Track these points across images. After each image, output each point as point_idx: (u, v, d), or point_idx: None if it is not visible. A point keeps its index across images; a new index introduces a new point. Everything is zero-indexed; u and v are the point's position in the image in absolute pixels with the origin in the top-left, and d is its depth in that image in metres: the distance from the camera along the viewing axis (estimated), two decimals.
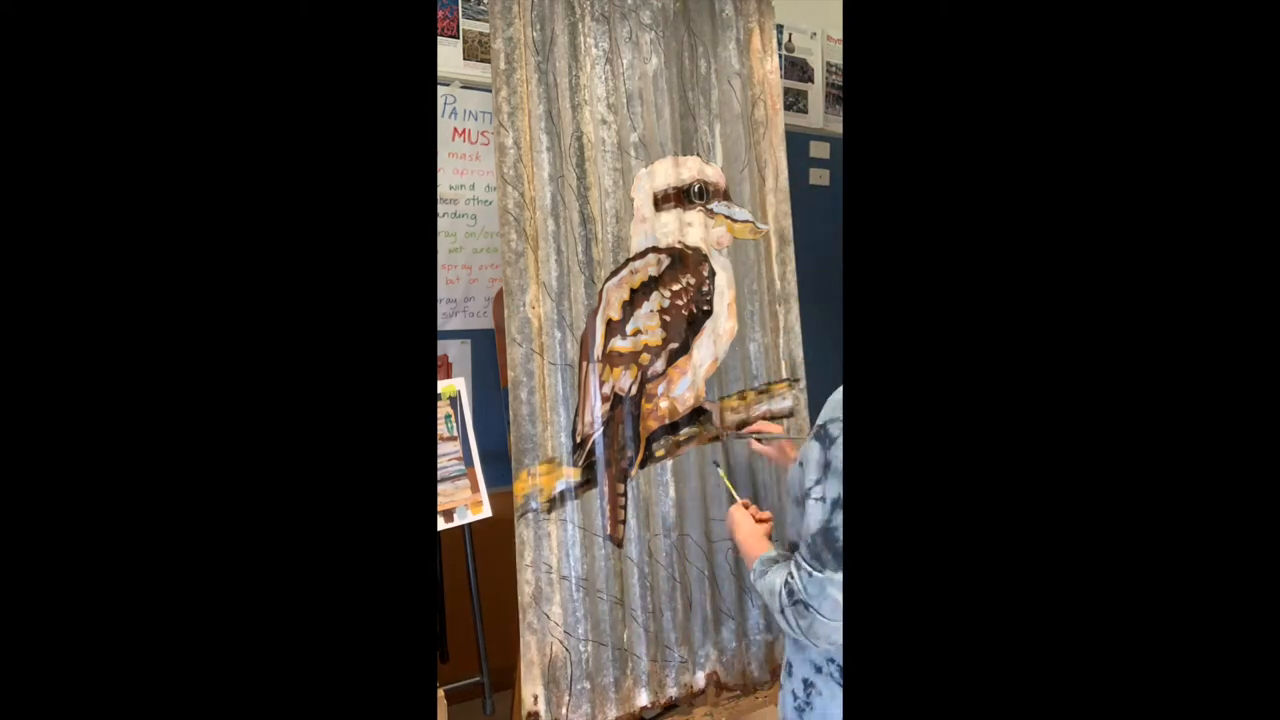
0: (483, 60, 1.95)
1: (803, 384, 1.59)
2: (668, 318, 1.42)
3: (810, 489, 0.85)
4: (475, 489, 1.47)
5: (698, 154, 1.48)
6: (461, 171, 1.97)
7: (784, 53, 2.52)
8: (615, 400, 1.37)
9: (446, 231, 1.97)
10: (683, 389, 1.44)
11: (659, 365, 1.41)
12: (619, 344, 1.38)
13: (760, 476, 1.51)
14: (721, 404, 1.48)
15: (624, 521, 1.37)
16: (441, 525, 1.42)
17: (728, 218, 1.49)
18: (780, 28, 2.48)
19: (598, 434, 1.35)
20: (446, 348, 1.98)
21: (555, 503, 1.32)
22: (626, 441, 1.38)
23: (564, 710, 1.30)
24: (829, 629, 0.83)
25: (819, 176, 2.60)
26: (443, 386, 1.47)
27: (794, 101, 2.55)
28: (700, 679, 1.44)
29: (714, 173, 1.49)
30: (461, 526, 1.46)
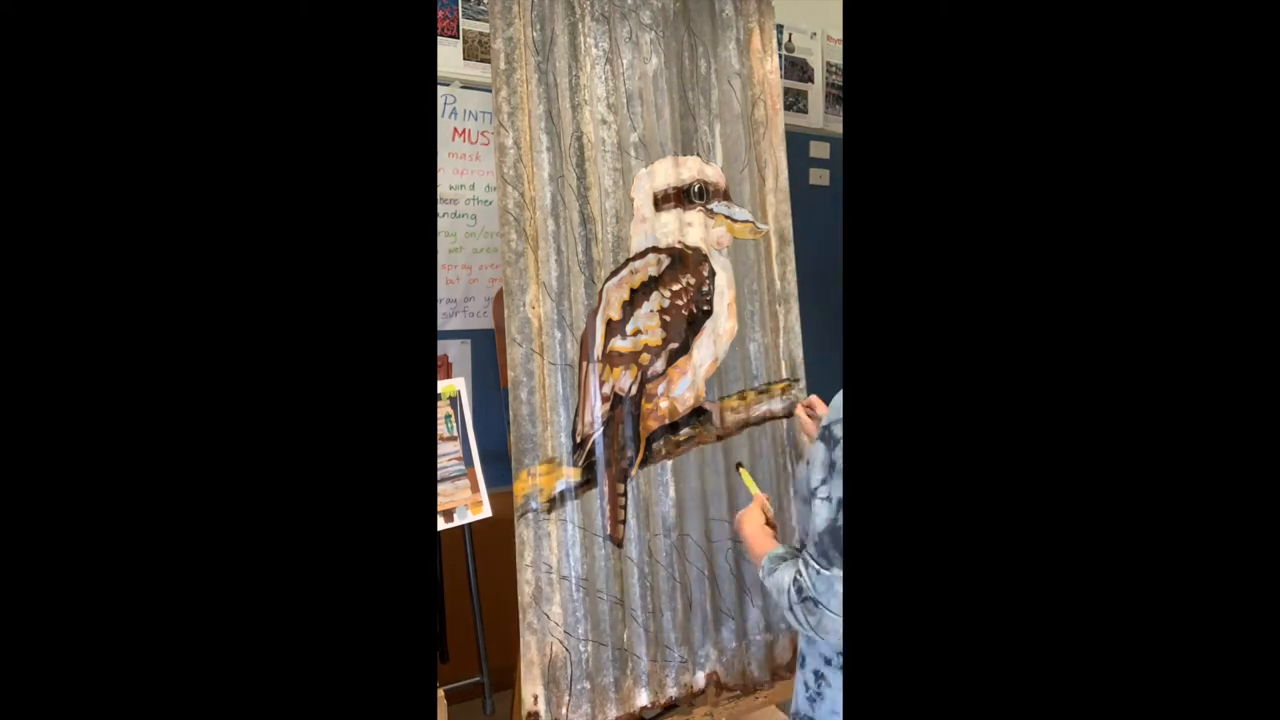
0: (483, 60, 1.95)
1: (803, 384, 1.59)
2: (668, 318, 1.42)
3: (816, 489, 0.86)
4: (475, 489, 1.47)
5: (698, 154, 1.48)
6: (461, 171, 1.97)
7: (784, 53, 2.52)
8: (615, 400, 1.37)
9: (446, 231, 1.97)
10: (683, 389, 1.44)
11: (659, 365, 1.41)
12: (619, 344, 1.38)
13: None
14: (721, 404, 1.48)
15: (624, 521, 1.37)
16: (441, 525, 1.42)
17: (728, 218, 1.49)
18: (780, 28, 2.48)
19: (598, 434, 1.35)
20: (446, 348, 1.98)
21: (555, 503, 1.32)
22: (626, 441, 1.38)
23: (564, 710, 1.30)
24: (837, 624, 0.85)
25: (819, 176, 2.60)
26: (443, 386, 1.47)
27: (794, 101, 2.55)
28: (700, 679, 1.44)
29: (714, 173, 1.49)
30: (461, 526, 1.46)
